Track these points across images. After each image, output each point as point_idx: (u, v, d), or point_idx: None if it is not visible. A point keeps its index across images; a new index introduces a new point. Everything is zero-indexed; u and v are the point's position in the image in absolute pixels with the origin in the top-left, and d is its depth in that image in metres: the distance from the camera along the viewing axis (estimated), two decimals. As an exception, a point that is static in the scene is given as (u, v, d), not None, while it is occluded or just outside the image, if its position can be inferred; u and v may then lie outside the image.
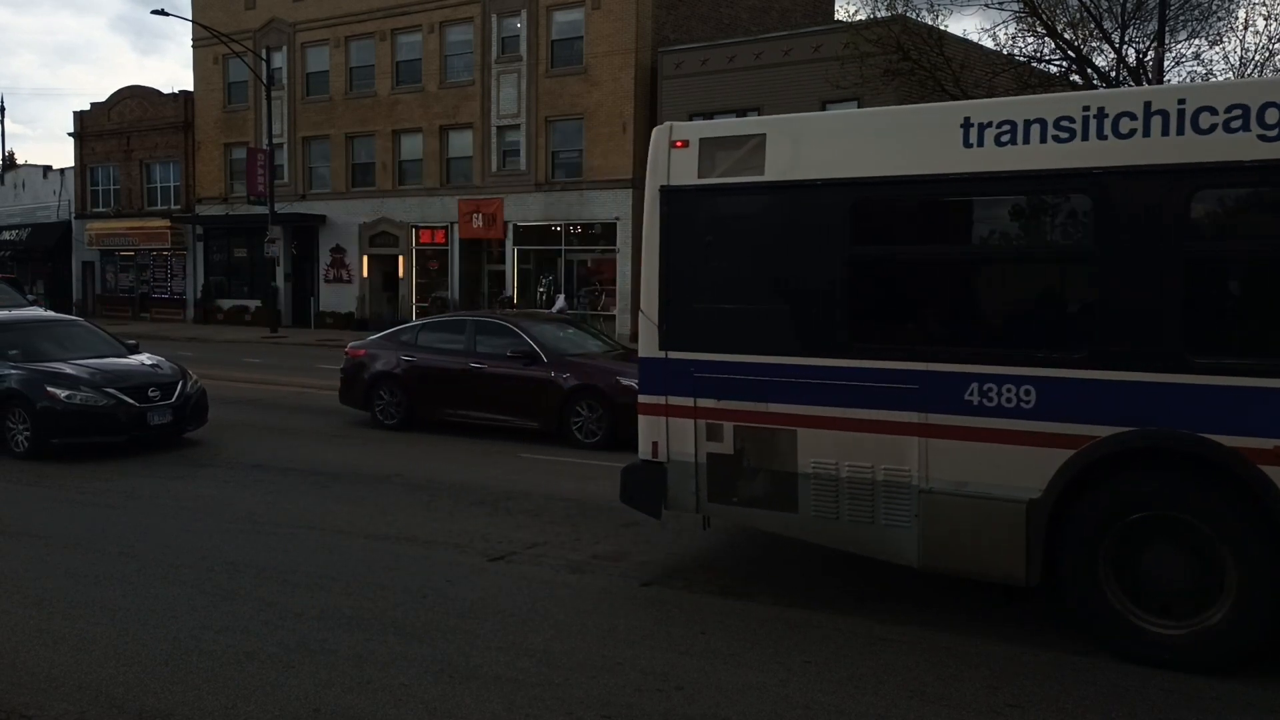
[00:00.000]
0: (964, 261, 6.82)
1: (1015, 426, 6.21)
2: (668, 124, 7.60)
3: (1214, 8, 24.77)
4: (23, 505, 10.31)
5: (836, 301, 6.82)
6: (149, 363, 14.01)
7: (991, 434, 6.29)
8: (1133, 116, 5.93)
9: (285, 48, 39.50)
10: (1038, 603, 6.92)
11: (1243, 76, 23.29)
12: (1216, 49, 47.17)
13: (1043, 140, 6.16)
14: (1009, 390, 6.23)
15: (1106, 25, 24.11)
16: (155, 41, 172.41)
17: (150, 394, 13.07)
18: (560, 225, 33.39)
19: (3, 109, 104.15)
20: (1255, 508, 5.67)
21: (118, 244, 45.24)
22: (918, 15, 25.13)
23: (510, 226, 34.28)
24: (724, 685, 5.72)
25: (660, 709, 5.43)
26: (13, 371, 12.96)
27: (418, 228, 36.60)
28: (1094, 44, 24.37)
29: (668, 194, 7.37)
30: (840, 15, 36.32)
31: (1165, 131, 5.84)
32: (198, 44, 41.74)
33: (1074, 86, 23.36)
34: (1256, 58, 24.52)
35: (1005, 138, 6.26)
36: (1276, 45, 33.11)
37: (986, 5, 25.13)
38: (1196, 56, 36.51)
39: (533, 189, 33.69)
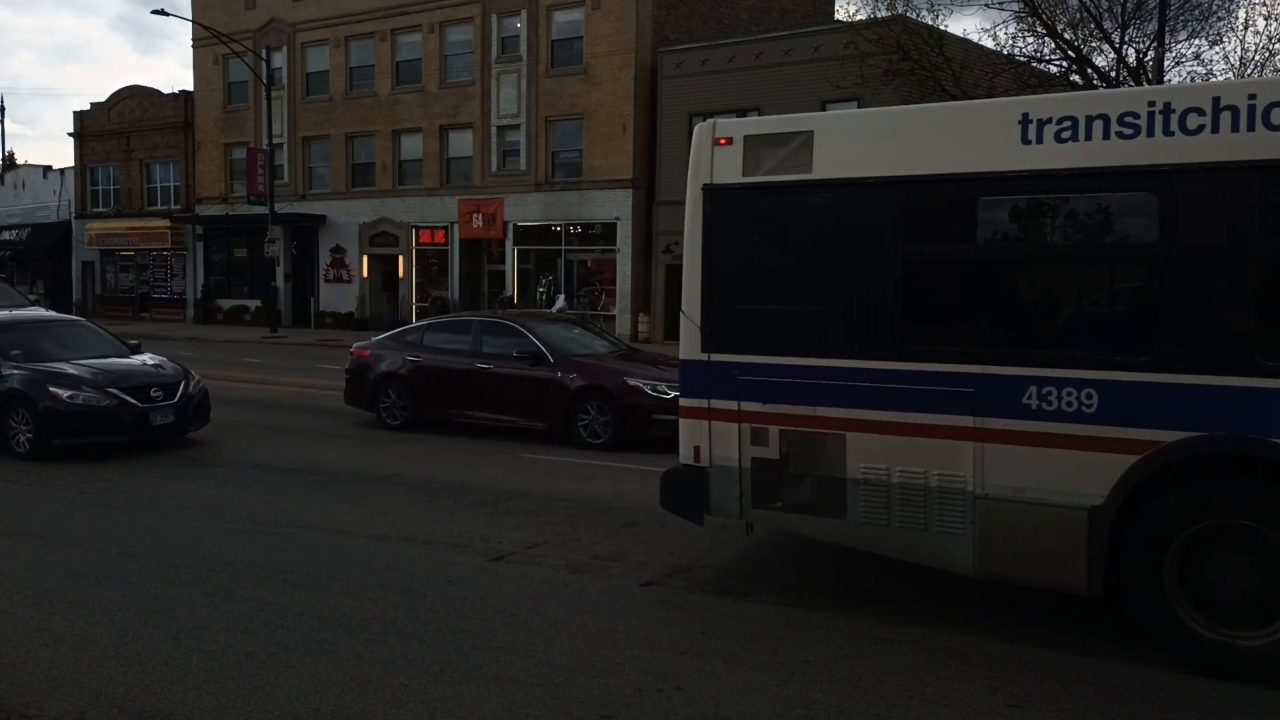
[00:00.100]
0: (1021, 261, 6.65)
1: (1076, 431, 6.04)
2: (711, 121, 7.28)
3: (1214, 8, 24.83)
4: (23, 505, 10.32)
5: (888, 302, 6.61)
6: (151, 363, 14.00)
7: (1051, 439, 6.11)
8: (1201, 112, 5.75)
9: (285, 48, 39.54)
10: (1038, 603, 6.92)
11: (1243, 77, 23.29)
12: (1216, 49, 47.34)
13: (1105, 137, 5.96)
14: (1069, 394, 6.05)
15: (1106, 25, 24.15)
16: (155, 41, 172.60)
17: (153, 394, 13.06)
18: (560, 225, 33.43)
19: (3, 109, 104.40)
20: None
21: (118, 244, 45.29)
22: (918, 15, 25.16)
23: (510, 226, 34.31)
24: (724, 685, 5.72)
25: (660, 709, 5.43)
26: (15, 371, 12.95)
27: (418, 228, 36.64)
28: (1094, 44, 24.41)
29: (711, 192, 7.12)
30: (840, 15, 36.40)
31: (1235, 128, 5.67)
32: (198, 44, 41.78)
33: (1074, 87, 23.36)
34: (1256, 58, 24.56)
35: (1066, 134, 6.08)
36: (1277, 45, 33.14)
37: (986, 5, 25.16)
38: (1197, 56, 36.58)
39: (533, 189, 33.71)
